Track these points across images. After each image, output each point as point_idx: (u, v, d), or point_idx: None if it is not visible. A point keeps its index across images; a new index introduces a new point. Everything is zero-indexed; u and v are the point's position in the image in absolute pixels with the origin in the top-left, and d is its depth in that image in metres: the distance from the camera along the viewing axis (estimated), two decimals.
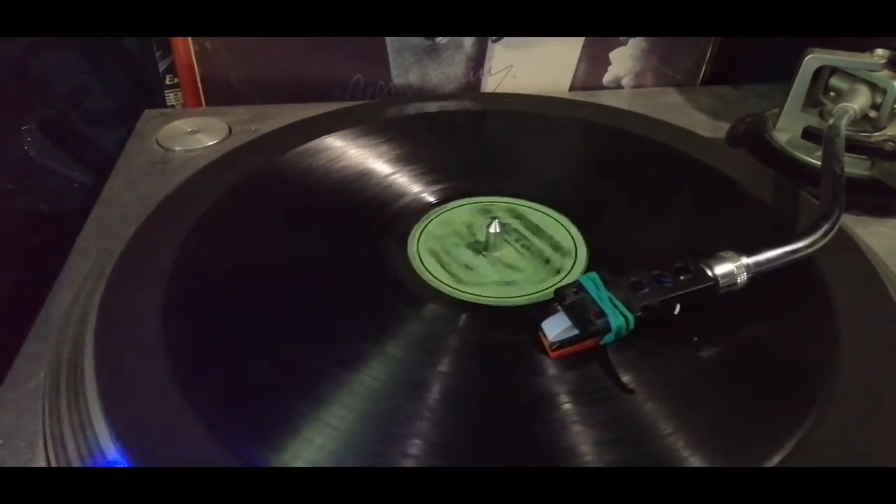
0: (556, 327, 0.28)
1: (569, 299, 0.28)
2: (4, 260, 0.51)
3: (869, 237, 0.38)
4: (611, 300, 0.28)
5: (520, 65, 0.56)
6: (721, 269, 0.29)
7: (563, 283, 0.32)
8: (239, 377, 0.28)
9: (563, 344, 0.28)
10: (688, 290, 0.28)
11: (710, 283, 0.29)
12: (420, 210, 0.38)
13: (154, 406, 0.26)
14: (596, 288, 0.28)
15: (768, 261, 0.30)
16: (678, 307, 0.28)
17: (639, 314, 0.27)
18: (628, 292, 0.28)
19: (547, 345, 0.28)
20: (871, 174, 0.41)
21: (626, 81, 0.58)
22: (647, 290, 0.28)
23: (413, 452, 0.25)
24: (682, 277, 0.29)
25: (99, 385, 0.27)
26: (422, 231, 0.36)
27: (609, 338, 0.27)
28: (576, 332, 0.27)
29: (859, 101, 0.41)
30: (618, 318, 0.27)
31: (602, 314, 0.27)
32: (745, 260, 0.29)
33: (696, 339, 0.29)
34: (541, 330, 0.28)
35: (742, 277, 0.29)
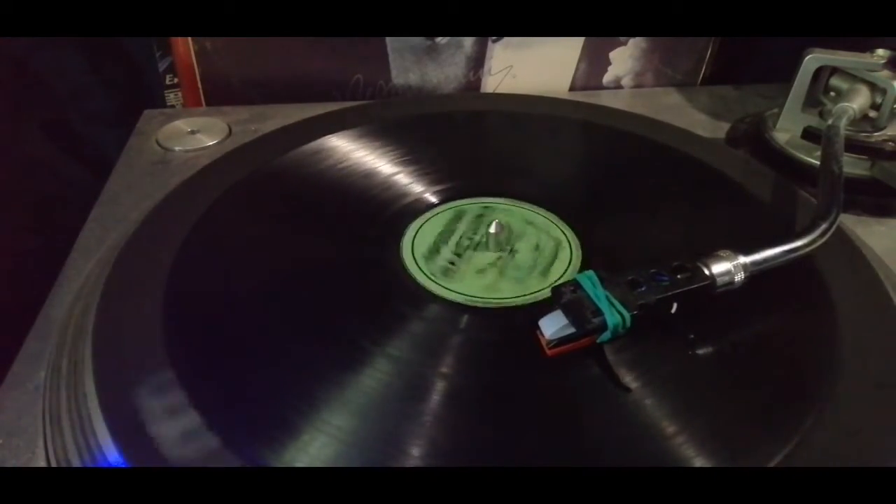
0: (552, 325, 0.28)
1: (566, 297, 0.28)
2: (4, 260, 0.51)
3: (869, 237, 0.38)
4: (607, 298, 0.28)
5: (520, 65, 0.56)
6: (718, 267, 0.29)
7: (562, 281, 0.32)
8: (239, 377, 0.28)
9: (560, 342, 0.28)
10: (684, 289, 0.28)
11: (706, 282, 0.29)
12: (420, 210, 0.38)
13: (154, 406, 0.26)
14: (593, 286, 0.28)
15: (766, 260, 0.30)
16: (675, 305, 0.28)
17: (635, 312, 0.27)
18: (625, 290, 0.28)
19: (544, 343, 0.28)
20: (871, 174, 0.41)
21: (626, 81, 0.58)
22: (643, 289, 0.28)
23: (414, 452, 0.25)
24: (679, 276, 0.29)
25: (99, 385, 0.27)
26: (422, 231, 0.36)
27: (606, 336, 0.27)
28: (572, 329, 0.27)
29: (859, 101, 0.41)
30: (614, 315, 0.27)
31: (598, 312, 0.27)
32: (743, 259, 0.29)
33: (692, 336, 0.29)
34: (538, 328, 0.28)
35: (739, 276, 0.29)
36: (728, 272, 0.29)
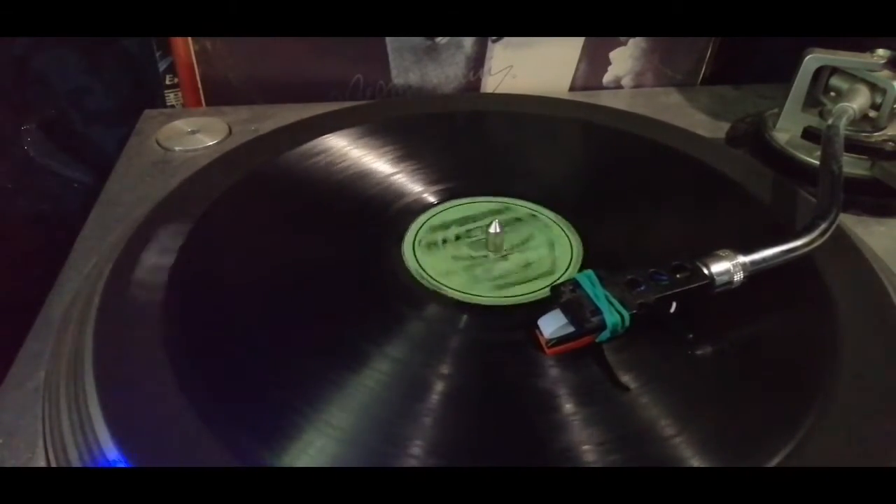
0: (551, 324, 0.28)
1: (565, 296, 0.28)
2: (4, 260, 0.51)
3: (869, 237, 0.38)
4: (607, 297, 0.28)
5: (520, 65, 0.56)
6: (717, 267, 0.29)
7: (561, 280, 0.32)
8: (239, 377, 0.28)
9: (559, 341, 0.28)
10: (684, 288, 0.28)
11: (705, 281, 0.29)
12: (420, 210, 0.38)
13: (154, 406, 0.26)
14: (592, 285, 0.28)
15: (765, 259, 0.30)
16: (674, 305, 0.28)
17: (634, 311, 0.27)
18: (624, 290, 0.28)
19: (543, 342, 0.28)
20: (871, 174, 0.41)
21: (626, 81, 0.58)
22: (643, 288, 0.28)
23: (414, 452, 0.25)
24: (678, 275, 0.29)
25: (99, 385, 0.27)
26: (422, 230, 0.36)
27: (605, 335, 0.28)
28: (571, 329, 0.27)
29: (859, 101, 0.41)
30: (613, 315, 0.27)
31: (598, 311, 0.27)
32: (742, 258, 0.29)
33: (691, 335, 0.29)
34: (537, 327, 0.28)
35: (739, 276, 0.29)
36: (727, 271, 0.29)
